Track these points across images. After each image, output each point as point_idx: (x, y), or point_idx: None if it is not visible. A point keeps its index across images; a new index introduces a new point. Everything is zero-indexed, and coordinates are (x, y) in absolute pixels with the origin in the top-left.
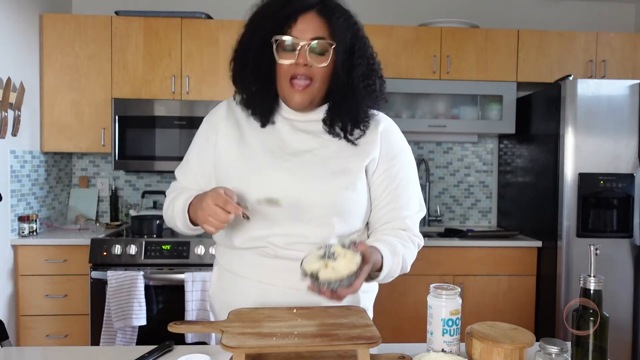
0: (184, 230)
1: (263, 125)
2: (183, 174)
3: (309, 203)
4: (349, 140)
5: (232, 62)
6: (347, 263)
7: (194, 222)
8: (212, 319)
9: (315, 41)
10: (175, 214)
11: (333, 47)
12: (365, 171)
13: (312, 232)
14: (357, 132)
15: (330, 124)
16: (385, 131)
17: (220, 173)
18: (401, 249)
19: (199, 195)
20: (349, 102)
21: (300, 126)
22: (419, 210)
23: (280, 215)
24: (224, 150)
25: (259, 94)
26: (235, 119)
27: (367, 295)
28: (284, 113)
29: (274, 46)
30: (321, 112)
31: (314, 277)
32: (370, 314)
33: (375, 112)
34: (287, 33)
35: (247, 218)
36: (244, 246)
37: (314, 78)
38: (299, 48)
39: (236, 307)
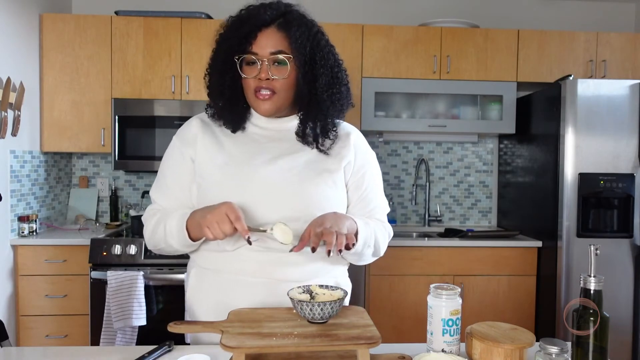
0: (179, 248)
1: (234, 130)
2: (162, 194)
3: (296, 202)
4: (320, 151)
5: (205, 77)
6: (328, 297)
7: (192, 237)
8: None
9: (274, 55)
10: (167, 232)
11: (292, 59)
12: (343, 172)
13: (301, 227)
14: (327, 142)
15: (302, 135)
16: (356, 143)
17: (203, 184)
18: (372, 224)
19: (199, 210)
20: (314, 112)
21: (276, 135)
22: (384, 207)
23: (269, 216)
24: (205, 163)
25: (228, 107)
26: (212, 131)
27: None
28: (259, 122)
29: (237, 63)
30: (292, 121)
31: (306, 301)
32: (349, 286)
33: (341, 122)
34: (248, 49)
35: (250, 243)
36: (234, 247)
37: (277, 90)
38: (260, 63)
39: (223, 305)
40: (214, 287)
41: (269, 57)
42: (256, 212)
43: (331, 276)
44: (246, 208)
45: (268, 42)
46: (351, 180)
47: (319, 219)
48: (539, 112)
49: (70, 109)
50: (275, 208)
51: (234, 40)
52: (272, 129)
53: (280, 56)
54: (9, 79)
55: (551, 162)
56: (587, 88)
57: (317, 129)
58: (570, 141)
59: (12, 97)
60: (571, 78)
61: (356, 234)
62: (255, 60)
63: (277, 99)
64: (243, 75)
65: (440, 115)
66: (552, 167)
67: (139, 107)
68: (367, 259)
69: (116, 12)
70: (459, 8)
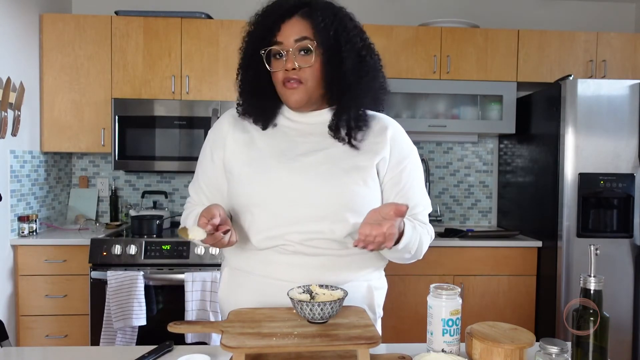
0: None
1: (264, 128)
2: (195, 191)
3: (322, 201)
4: (352, 146)
5: (237, 76)
6: (328, 297)
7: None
8: (219, 319)
9: (299, 43)
10: None
11: (316, 45)
12: (377, 170)
13: (328, 228)
14: (360, 134)
15: (335, 129)
16: (393, 137)
17: (231, 180)
18: (419, 229)
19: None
20: (346, 102)
21: (307, 129)
22: (426, 206)
23: (295, 213)
24: (235, 159)
25: (256, 104)
26: (243, 126)
27: (378, 292)
28: (290, 115)
29: (264, 57)
30: (323, 115)
31: (306, 301)
32: (380, 312)
33: (379, 114)
34: (274, 41)
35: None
36: (261, 246)
37: (305, 79)
38: (285, 53)
39: (251, 305)
40: (245, 288)
41: (294, 46)
42: (281, 209)
43: (365, 279)
44: (271, 205)
45: (292, 31)
46: (387, 176)
47: (374, 214)
48: (539, 112)
49: (70, 109)
50: (300, 206)
51: (259, 33)
52: (303, 122)
53: (305, 41)
54: (9, 79)
55: (551, 162)
56: (587, 88)
57: (350, 122)
58: (570, 141)
59: (12, 97)
60: (571, 78)
61: (401, 235)
62: (281, 51)
63: (306, 89)
64: (271, 69)
65: (440, 115)
66: (552, 167)
67: (139, 107)
68: (405, 259)
69: (116, 12)
70: (459, 8)
